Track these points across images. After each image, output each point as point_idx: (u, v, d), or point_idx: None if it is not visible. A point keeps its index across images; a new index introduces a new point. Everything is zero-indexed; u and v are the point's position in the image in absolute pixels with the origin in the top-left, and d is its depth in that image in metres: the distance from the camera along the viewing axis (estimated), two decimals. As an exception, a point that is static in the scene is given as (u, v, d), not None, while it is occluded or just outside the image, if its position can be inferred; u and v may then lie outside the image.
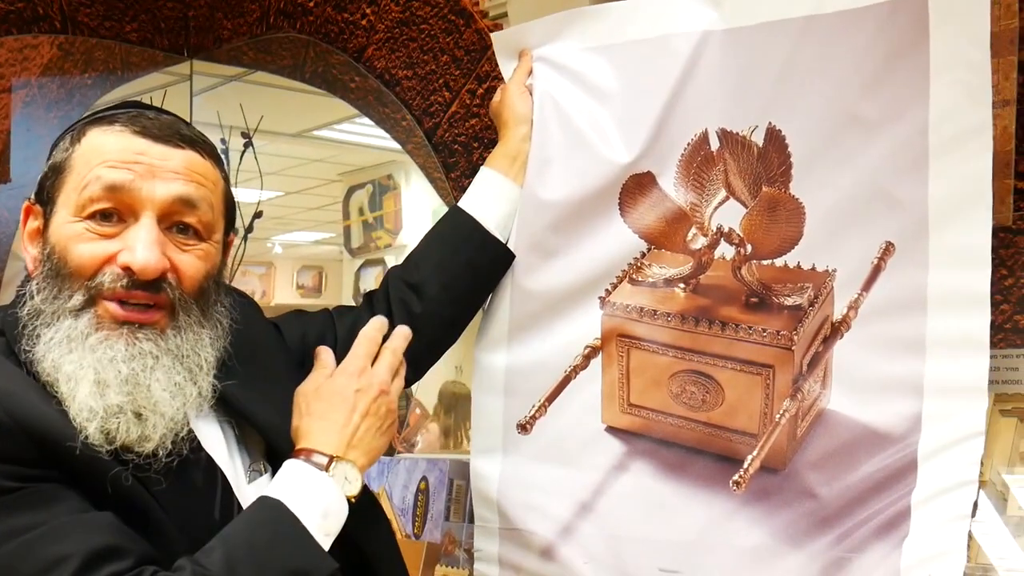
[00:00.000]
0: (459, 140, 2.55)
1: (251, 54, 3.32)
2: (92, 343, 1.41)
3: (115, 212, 1.45)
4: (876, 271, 1.64)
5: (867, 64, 1.63)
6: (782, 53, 1.71)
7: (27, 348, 1.42)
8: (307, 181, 8.07)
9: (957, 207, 1.57)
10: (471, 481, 2.05)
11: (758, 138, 1.73)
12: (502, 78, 2.08)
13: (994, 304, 1.59)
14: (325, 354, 1.71)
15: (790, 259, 1.72)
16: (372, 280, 7.07)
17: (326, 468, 1.53)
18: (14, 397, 1.36)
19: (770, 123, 1.72)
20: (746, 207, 1.75)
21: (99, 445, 1.37)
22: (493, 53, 2.40)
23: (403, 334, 1.76)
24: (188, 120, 1.60)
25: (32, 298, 1.45)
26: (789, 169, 1.70)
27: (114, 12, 3.05)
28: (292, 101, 4.87)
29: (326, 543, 1.47)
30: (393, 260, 6.87)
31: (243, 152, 3.99)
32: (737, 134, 1.75)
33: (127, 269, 1.43)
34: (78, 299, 1.43)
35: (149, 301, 1.45)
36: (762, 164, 1.73)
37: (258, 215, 4.06)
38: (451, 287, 1.93)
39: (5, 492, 1.31)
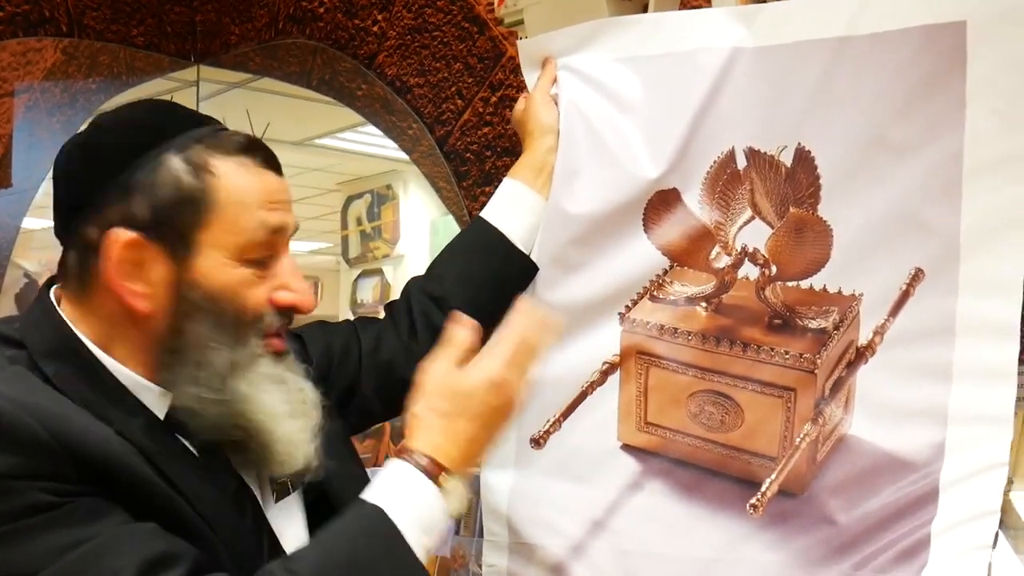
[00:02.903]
0: (471, 148, 2.53)
1: (258, 60, 3.31)
2: (278, 378, 1.47)
3: (270, 253, 1.47)
4: (904, 297, 1.61)
5: (901, 87, 1.60)
6: (814, 73, 1.68)
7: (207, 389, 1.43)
8: (305, 190, 8.07)
9: (989, 235, 1.55)
10: (481, 494, 2.02)
11: (786, 158, 1.70)
12: (516, 86, 2.05)
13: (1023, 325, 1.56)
14: (458, 331, 1.55)
15: (816, 282, 1.69)
16: (369, 291, 7.07)
17: (438, 482, 1.42)
18: (54, 416, 1.32)
19: (799, 144, 1.69)
20: (772, 228, 1.73)
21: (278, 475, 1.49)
22: (507, 61, 2.39)
23: (555, 329, 1.59)
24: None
25: (195, 349, 1.42)
26: (818, 191, 1.67)
27: (121, 16, 3.04)
28: (295, 109, 4.87)
29: (423, 557, 1.39)
30: (391, 270, 6.88)
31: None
32: (765, 153, 1.72)
33: (292, 307, 1.47)
34: (256, 343, 1.45)
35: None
36: (790, 185, 1.70)
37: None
38: (475, 300, 1.88)
39: (49, 508, 1.27)
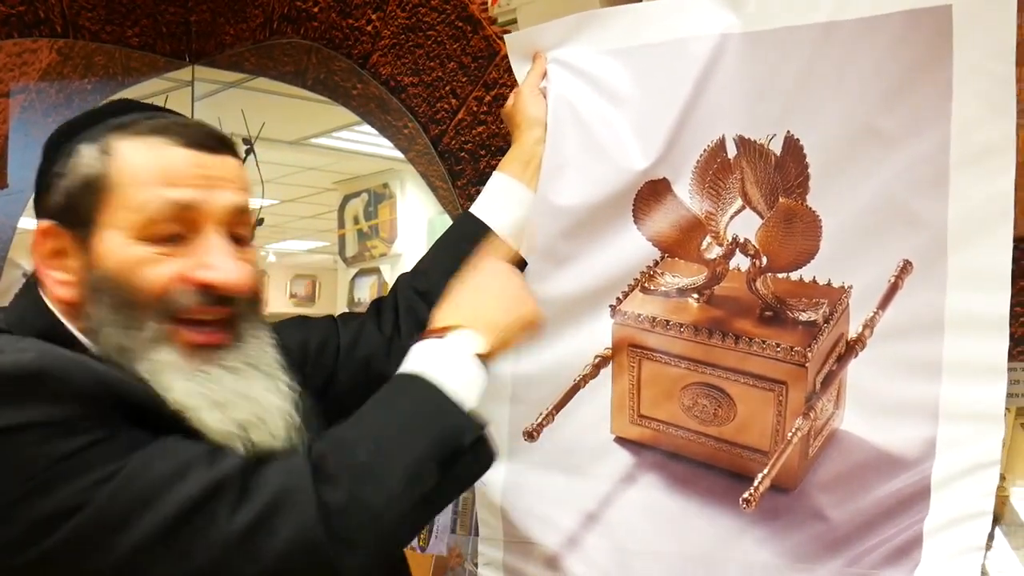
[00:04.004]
0: (465, 148, 2.53)
1: (253, 60, 3.31)
2: (186, 373, 1.40)
3: (180, 231, 1.42)
4: (893, 290, 1.61)
5: (887, 74, 1.60)
6: (801, 59, 1.67)
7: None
8: (302, 189, 8.07)
9: (977, 226, 1.54)
10: (475, 486, 2.01)
11: (776, 147, 1.70)
12: (510, 85, 2.05)
13: (1013, 316, 1.55)
14: None
15: (806, 273, 1.69)
16: (366, 289, 7.07)
17: (442, 336, 1.51)
18: (100, 369, 1.34)
19: (788, 132, 1.68)
20: (762, 218, 1.72)
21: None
22: (501, 60, 2.38)
23: None
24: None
25: (97, 332, 1.41)
26: (807, 180, 1.67)
27: (115, 16, 3.03)
28: (291, 108, 4.87)
29: (469, 403, 1.47)
30: (388, 269, 6.87)
31: (244, 159, 3.97)
32: (755, 142, 1.72)
33: (209, 286, 1.41)
34: (155, 328, 1.39)
35: (225, 315, 1.43)
36: (779, 174, 1.69)
37: (259, 223, 4.04)
38: None
39: (101, 441, 1.29)
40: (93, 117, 1.49)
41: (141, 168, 1.41)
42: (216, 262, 1.41)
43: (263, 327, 1.53)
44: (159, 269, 1.40)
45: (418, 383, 1.46)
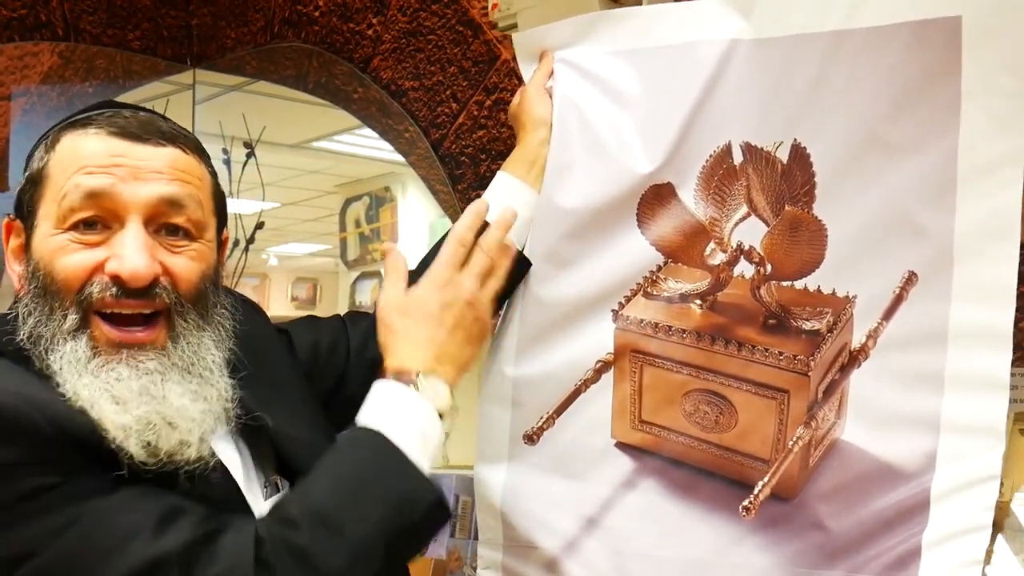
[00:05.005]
0: (466, 152, 2.53)
1: (254, 63, 3.31)
2: (93, 368, 1.36)
3: (99, 220, 1.39)
4: (897, 301, 1.60)
5: (896, 84, 1.59)
6: (810, 67, 1.66)
7: (46, 373, 1.37)
8: (303, 192, 8.07)
9: (983, 239, 1.53)
10: (475, 489, 2.01)
11: (783, 154, 1.69)
12: (511, 89, 2.04)
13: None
14: (395, 258, 1.66)
15: (810, 282, 1.68)
16: (368, 292, 7.07)
17: (415, 385, 1.49)
18: (50, 405, 1.32)
19: (796, 140, 1.67)
20: (768, 225, 1.71)
21: (146, 460, 1.33)
22: (501, 64, 2.38)
23: (501, 223, 1.68)
24: (191, 129, 1.56)
25: (25, 321, 1.39)
26: (813, 189, 1.66)
27: (117, 20, 3.04)
28: (292, 112, 4.88)
29: (426, 467, 1.44)
30: (389, 273, 6.86)
31: (245, 163, 3.97)
32: (762, 149, 1.70)
33: (116, 278, 1.38)
34: (72, 319, 1.38)
35: (144, 309, 1.40)
36: (785, 182, 1.68)
37: (260, 226, 4.04)
38: None
39: (51, 488, 1.28)
40: (66, 118, 1.49)
41: (67, 157, 1.42)
42: (123, 252, 1.38)
43: (211, 324, 1.49)
44: (77, 258, 1.39)
45: (380, 445, 1.43)
